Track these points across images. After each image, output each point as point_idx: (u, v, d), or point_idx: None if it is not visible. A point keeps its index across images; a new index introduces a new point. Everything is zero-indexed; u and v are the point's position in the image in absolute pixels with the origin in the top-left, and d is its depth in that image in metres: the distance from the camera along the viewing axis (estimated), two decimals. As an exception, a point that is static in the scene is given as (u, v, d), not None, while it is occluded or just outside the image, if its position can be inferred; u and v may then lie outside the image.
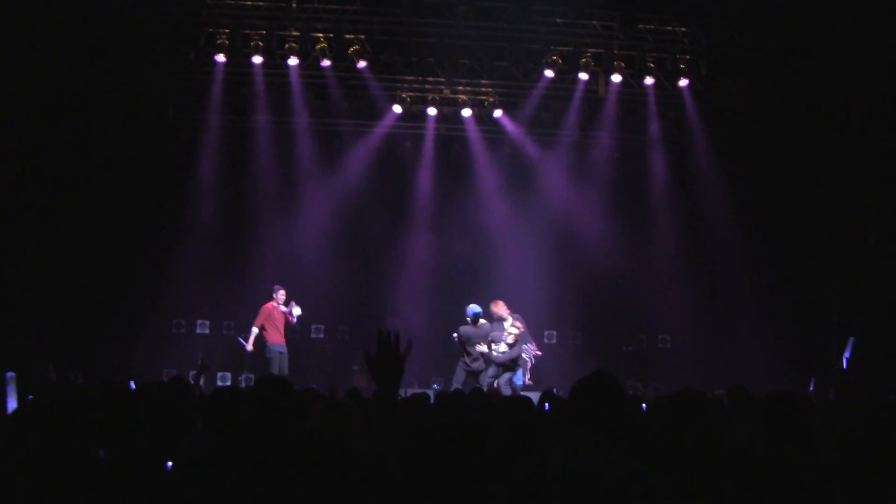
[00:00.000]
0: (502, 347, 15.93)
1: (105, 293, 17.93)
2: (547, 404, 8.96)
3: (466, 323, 16.16)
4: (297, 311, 16.80)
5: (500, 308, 16.28)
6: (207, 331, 19.20)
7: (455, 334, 16.21)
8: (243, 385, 15.81)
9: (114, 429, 5.52)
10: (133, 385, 9.54)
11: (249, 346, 16.56)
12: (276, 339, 16.54)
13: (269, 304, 16.65)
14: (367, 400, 8.61)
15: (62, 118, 16.82)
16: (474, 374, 15.98)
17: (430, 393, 13.06)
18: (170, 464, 4.97)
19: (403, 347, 4.03)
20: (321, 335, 20.00)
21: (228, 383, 17.35)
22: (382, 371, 3.98)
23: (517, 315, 16.27)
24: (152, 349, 18.12)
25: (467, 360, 16.06)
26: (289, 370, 16.62)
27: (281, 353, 16.55)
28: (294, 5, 17.16)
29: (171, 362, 17.72)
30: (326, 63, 17.62)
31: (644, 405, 9.16)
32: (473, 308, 16.16)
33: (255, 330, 16.57)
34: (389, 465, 3.75)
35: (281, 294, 16.69)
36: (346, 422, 4.48)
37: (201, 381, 11.71)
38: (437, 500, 4.91)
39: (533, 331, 19.55)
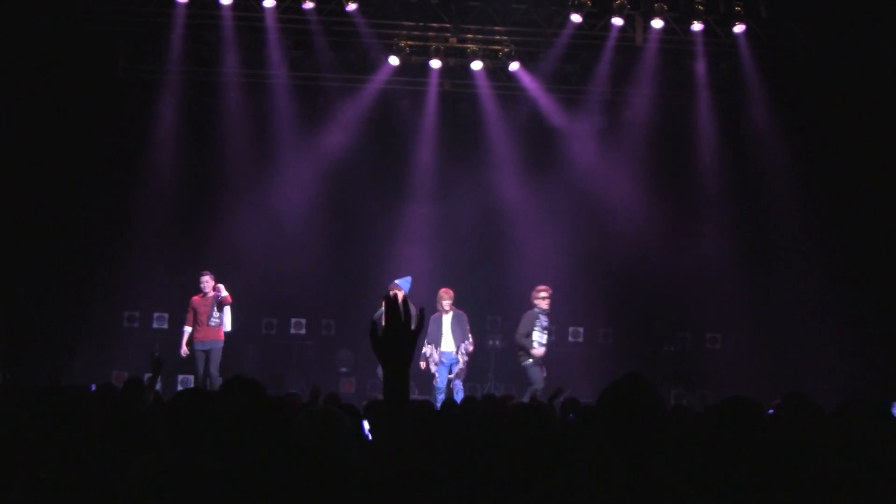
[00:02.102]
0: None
1: (43, 280, 18.01)
2: (572, 415, 9.03)
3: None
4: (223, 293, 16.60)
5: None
6: (166, 325, 19.16)
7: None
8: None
9: (54, 441, 5.52)
10: (94, 387, 9.60)
11: (183, 350, 16.49)
12: (199, 335, 16.36)
13: (196, 297, 16.52)
14: (351, 407, 8.67)
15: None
16: None
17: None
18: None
19: (415, 320, 3.87)
20: (302, 330, 20.06)
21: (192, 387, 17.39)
22: (390, 351, 3.84)
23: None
24: (99, 346, 18.21)
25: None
26: (220, 372, 16.25)
27: (205, 351, 16.29)
28: (270, -66, 17.24)
29: (123, 362, 17.80)
30: (309, 5, 17.64)
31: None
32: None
33: (187, 330, 16.46)
34: (393, 481, 3.75)
35: (205, 281, 16.48)
36: (334, 431, 4.53)
37: (157, 385, 11.72)
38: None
39: (557, 327, 19.74)
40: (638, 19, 18.36)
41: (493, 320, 19.81)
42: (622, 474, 3.77)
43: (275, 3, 17.59)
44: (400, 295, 15.35)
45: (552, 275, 18.81)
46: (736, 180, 19.85)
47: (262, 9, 17.75)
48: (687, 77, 19.57)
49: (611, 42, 18.80)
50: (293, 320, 19.98)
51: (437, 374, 16.16)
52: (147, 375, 14.77)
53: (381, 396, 11.59)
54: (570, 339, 20.01)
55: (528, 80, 19.57)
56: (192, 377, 17.96)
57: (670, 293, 19.74)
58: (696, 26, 18.29)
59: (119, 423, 6.11)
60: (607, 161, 19.89)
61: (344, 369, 19.41)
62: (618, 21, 18.14)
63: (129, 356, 18.09)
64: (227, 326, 16.56)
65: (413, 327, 3.84)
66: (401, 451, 3.71)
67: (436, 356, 16.20)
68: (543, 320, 15.99)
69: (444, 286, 16.71)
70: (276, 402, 5.06)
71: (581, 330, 20.07)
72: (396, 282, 16.34)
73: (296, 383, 18.11)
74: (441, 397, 15.21)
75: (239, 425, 4.40)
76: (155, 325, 19.32)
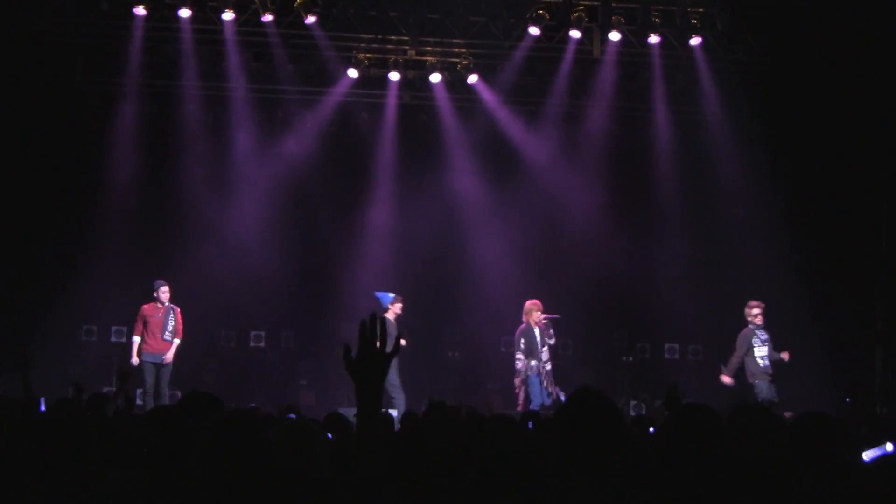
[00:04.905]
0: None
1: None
2: (531, 423, 9.08)
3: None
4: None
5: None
6: (124, 338, 19.02)
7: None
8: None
9: (13, 460, 5.46)
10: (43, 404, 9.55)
11: (134, 359, 16.38)
12: (150, 346, 16.26)
13: (147, 305, 16.47)
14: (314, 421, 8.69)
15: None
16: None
17: (393, 413, 13.19)
18: None
19: (391, 344, 4.00)
20: (261, 343, 20.06)
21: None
22: (363, 372, 3.93)
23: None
24: (56, 361, 18.01)
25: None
26: (178, 386, 16.51)
27: (158, 364, 16.22)
28: (229, -53, 17.24)
29: (81, 376, 17.63)
30: (268, 18, 17.63)
31: (652, 429, 9.26)
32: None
33: (136, 340, 16.42)
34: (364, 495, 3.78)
35: (163, 291, 16.42)
36: (309, 446, 4.52)
37: (120, 400, 11.64)
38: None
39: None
40: (595, 32, 18.47)
41: (451, 331, 19.90)
42: (582, 487, 3.82)
43: (233, 15, 17.54)
44: (392, 312, 15.58)
45: (511, 286, 18.91)
46: (693, 192, 19.99)
47: (221, 21, 17.70)
48: (644, 89, 19.70)
49: (569, 55, 18.89)
50: (252, 333, 19.97)
51: (531, 387, 16.25)
52: (107, 389, 14.77)
53: (340, 409, 11.59)
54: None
55: (486, 93, 19.65)
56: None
57: (629, 305, 19.88)
58: (653, 39, 18.40)
59: (81, 438, 6.06)
60: (566, 173, 19.98)
61: (304, 381, 19.37)
62: (576, 34, 18.20)
63: (88, 370, 17.96)
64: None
65: (389, 350, 3.97)
66: (372, 466, 3.77)
67: (535, 368, 16.26)
68: (761, 335, 16.03)
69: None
70: (238, 416, 5.04)
71: (540, 341, 20.15)
72: (378, 294, 16.64)
73: (256, 397, 18.06)
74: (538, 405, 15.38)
75: (199, 441, 4.40)
76: (113, 339, 19.24)
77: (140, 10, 17.37)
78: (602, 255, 19.56)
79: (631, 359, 20.03)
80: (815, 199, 18.82)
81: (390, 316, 16.26)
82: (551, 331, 16.62)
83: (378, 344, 3.95)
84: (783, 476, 4.95)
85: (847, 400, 15.51)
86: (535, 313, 16.49)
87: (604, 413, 3.91)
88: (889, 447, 6.86)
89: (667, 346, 20.53)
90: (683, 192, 20.02)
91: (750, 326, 16.11)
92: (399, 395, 16.14)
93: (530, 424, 8.87)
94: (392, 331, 15.69)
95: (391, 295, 16.60)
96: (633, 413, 17.56)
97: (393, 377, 15.94)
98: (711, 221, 19.98)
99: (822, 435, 5.64)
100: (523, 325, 16.52)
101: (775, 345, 15.92)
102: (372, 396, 3.95)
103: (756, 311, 16.12)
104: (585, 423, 3.88)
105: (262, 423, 4.99)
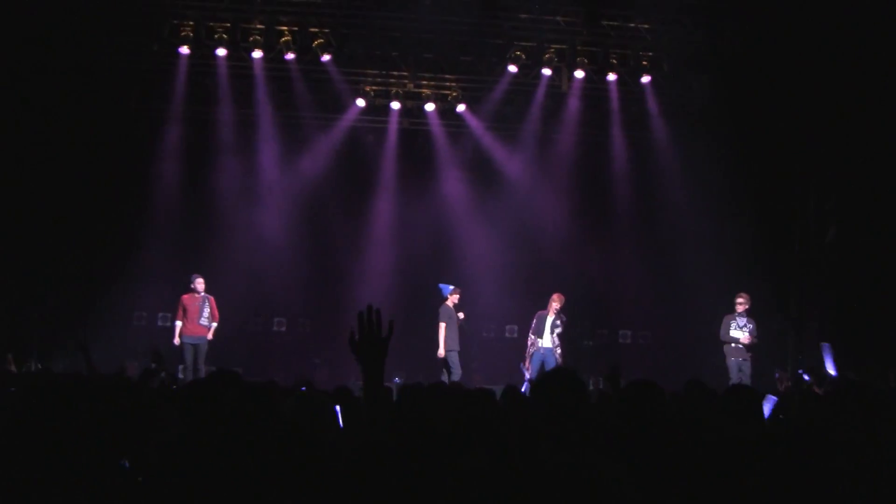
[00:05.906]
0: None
1: (65, 284, 17.93)
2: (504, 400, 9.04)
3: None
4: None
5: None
6: (168, 323, 19.11)
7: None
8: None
9: (82, 423, 5.43)
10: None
11: (176, 340, 16.53)
12: (189, 330, 16.50)
13: (186, 295, 16.69)
14: (325, 393, 8.67)
15: (24, 106, 16.96)
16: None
17: (392, 387, 13.17)
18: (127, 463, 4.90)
19: (385, 329, 4.16)
20: (283, 328, 20.16)
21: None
22: (364, 352, 4.10)
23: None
24: (113, 342, 18.03)
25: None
26: (213, 363, 16.43)
27: (194, 345, 16.42)
28: (259, -2, 17.29)
29: (133, 354, 17.70)
30: (290, 56, 17.70)
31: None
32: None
33: (178, 324, 16.62)
34: (371, 459, 3.79)
35: (199, 283, 16.66)
36: (318, 413, 4.53)
37: (163, 374, 11.63)
38: (397, 495, 4.97)
39: (496, 324, 19.72)
40: (563, 70, 18.55)
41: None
42: (549, 446, 3.83)
43: (262, 54, 17.64)
44: (451, 300, 15.53)
45: (493, 282, 18.96)
46: (645, 203, 20.11)
47: (251, 59, 17.81)
48: (604, 118, 19.76)
49: (541, 88, 18.95)
50: (276, 319, 20.06)
51: (533, 362, 16.49)
52: (154, 365, 14.75)
53: (348, 383, 11.50)
54: (507, 335, 20.13)
55: (473, 120, 19.68)
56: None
57: (591, 297, 19.87)
58: (611, 77, 18.54)
59: (134, 407, 6.06)
60: (540, 187, 20.07)
61: (318, 360, 19.37)
62: (547, 71, 18.35)
63: (139, 349, 17.98)
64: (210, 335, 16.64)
65: (384, 335, 4.16)
66: (376, 423, 3.83)
67: (538, 345, 16.59)
68: (739, 321, 16.08)
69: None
70: (260, 388, 5.06)
71: (515, 327, 20.16)
72: (440, 285, 16.90)
73: (277, 373, 18.05)
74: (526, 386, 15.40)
75: (227, 408, 4.44)
76: (160, 324, 19.29)
77: (184, 50, 17.59)
78: (570, 256, 19.61)
79: (591, 343, 20.04)
80: (743, 207, 18.88)
81: (449, 304, 16.58)
82: (558, 321, 16.70)
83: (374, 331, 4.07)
84: (716, 440, 4.96)
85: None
86: (554, 304, 16.71)
87: (570, 387, 3.95)
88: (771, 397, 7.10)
89: (621, 332, 20.62)
90: (637, 203, 20.15)
91: (734, 313, 16.18)
92: (456, 368, 16.28)
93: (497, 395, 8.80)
94: (452, 314, 15.94)
95: (451, 287, 16.81)
96: (591, 388, 17.59)
97: (454, 357, 16.28)
98: (660, 228, 20.02)
99: (752, 404, 5.67)
100: (544, 311, 16.74)
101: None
102: (374, 370, 4.11)
103: (740, 300, 16.19)
104: (554, 395, 3.92)
105: (279, 393, 4.99)
